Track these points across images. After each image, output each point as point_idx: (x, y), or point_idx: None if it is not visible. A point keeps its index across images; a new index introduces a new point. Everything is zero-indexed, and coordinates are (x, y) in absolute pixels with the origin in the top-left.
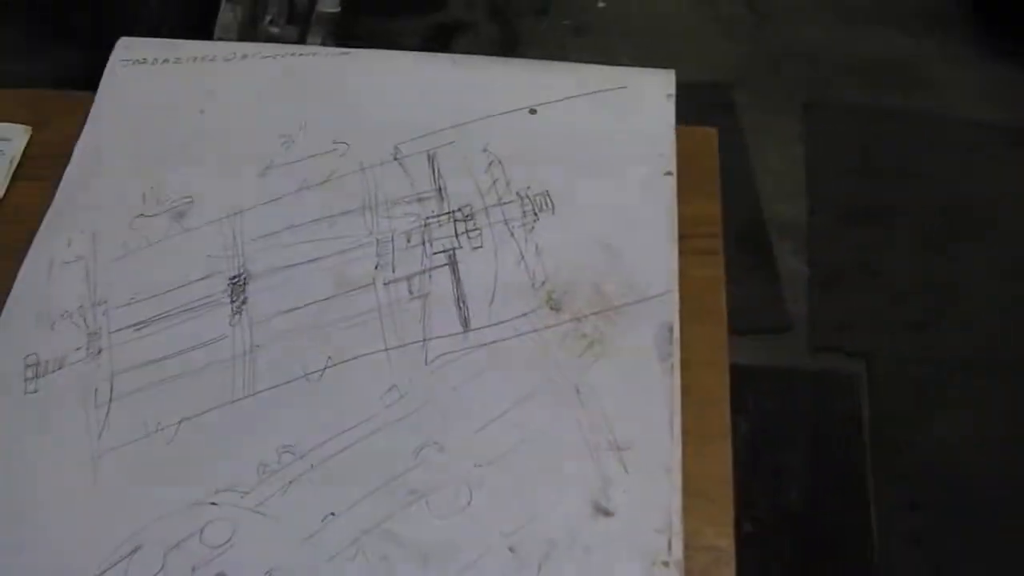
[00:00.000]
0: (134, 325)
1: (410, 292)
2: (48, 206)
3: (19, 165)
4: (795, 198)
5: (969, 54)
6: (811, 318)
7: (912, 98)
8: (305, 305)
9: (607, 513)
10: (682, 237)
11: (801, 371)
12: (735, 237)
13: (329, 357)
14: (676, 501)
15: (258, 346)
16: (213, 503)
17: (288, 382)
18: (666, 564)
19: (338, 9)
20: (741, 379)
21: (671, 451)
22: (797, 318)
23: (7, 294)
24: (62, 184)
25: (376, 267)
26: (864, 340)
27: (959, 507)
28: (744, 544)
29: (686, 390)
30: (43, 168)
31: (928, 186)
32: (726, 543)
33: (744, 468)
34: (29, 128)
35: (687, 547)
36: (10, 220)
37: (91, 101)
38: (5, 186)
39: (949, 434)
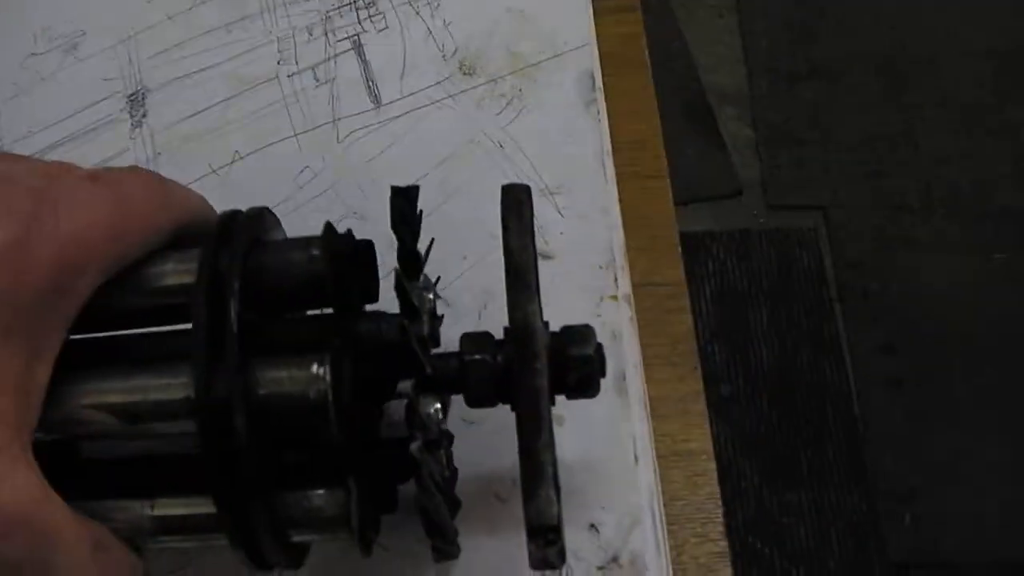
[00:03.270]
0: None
1: (316, 80)
2: None
3: None
4: (733, 66)
5: None
6: (763, 179)
7: None
8: (206, 108)
9: (546, 256)
10: None
11: (758, 231)
12: (679, 112)
13: (237, 150)
14: (617, 237)
15: (160, 153)
16: None
17: (196, 180)
18: (614, 298)
19: None
20: (699, 245)
21: (606, 191)
22: (750, 181)
23: None
24: None
25: (278, 63)
26: (819, 194)
27: (934, 347)
28: (723, 406)
29: (616, 136)
30: None
31: (866, 40)
32: (676, 277)
33: (713, 333)
34: None
35: (639, 284)
36: None
37: None
38: None
39: (914, 276)
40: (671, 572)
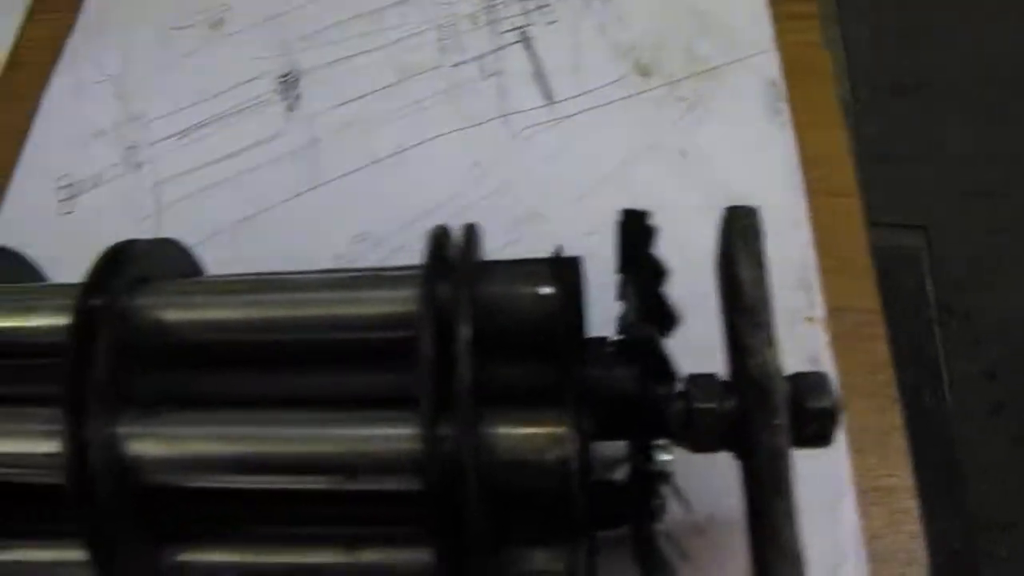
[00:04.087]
0: (176, 135)
1: (482, 71)
2: (69, 34)
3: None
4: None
5: None
6: (865, 195)
7: None
8: (365, 95)
9: None
10: (775, 1)
11: None
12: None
13: (400, 141)
14: (810, 256)
15: (319, 138)
16: None
17: (357, 170)
18: (810, 320)
19: None
20: None
21: (797, 205)
22: None
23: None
24: (83, 9)
25: (440, 52)
26: (921, 213)
27: None
28: None
29: (801, 149)
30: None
31: (973, 54)
32: (872, 304)
33: None
34: None
35: (831, 308)
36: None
37: None
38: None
39: (1018, 299)
40: None
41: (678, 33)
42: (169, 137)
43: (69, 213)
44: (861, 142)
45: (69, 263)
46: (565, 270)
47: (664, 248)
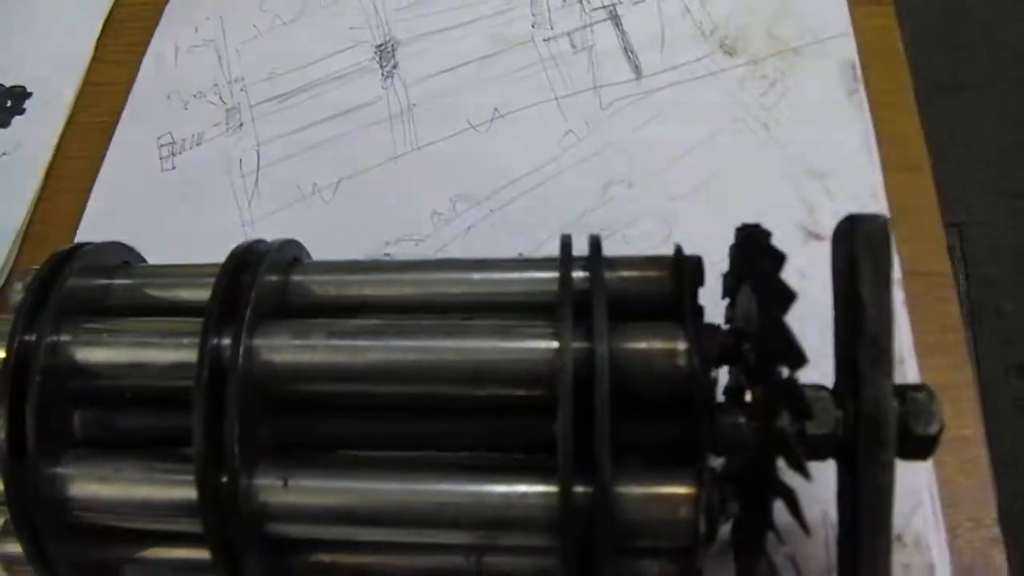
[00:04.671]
0: (277, 97)
1: (572, 46)
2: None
3: None
4: None
5: None
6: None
7: None
8: (461, 65)
9: (819, 237)
10: None
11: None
12: None
13: (496, 108)
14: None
15: (415, 104)
16: (387, 254)
17: (454, 135)
18: None
19: None
20: None
21: (873, 179)
22: None
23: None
24: None
25: (533, 25)
26: (955, 210)
27: None
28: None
29: (877, 128)
30: None
31: (1017, 59)
32: (942, 267)
33: None
34: None
35: (906, 272)
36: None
37: None
38: None
39: None
40: (948, 554)
41: (760, 15)
42: (269, 100)
43: (171, 170)
44: None
45: (171, 219)
46: (700, 331)
47: (745, 216)
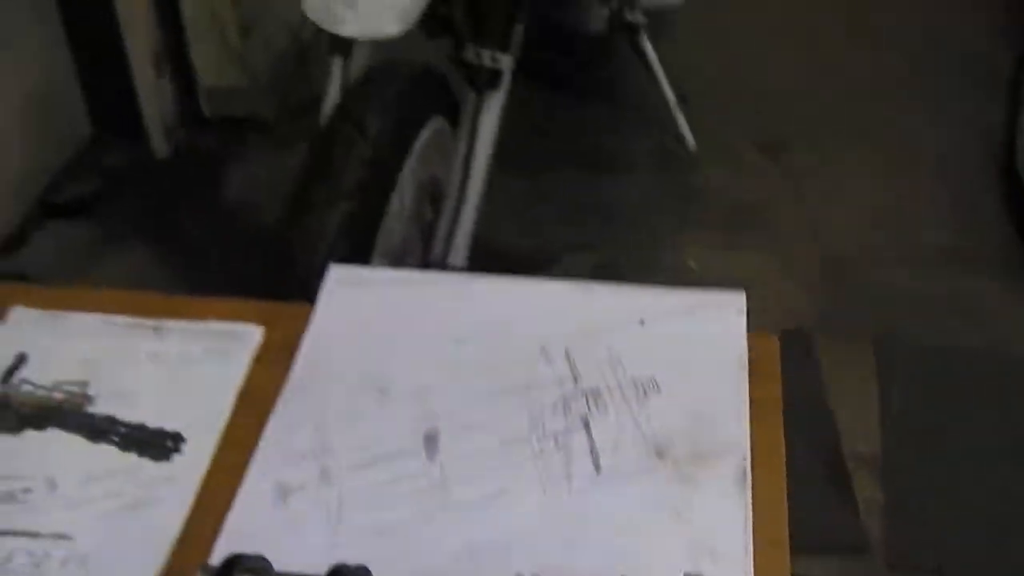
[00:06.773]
0: (355, 465)
1: (556, 444)
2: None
3: (257, 356)
4: (871, 432)
5: None
6: (887, 540)
7: (980, 337)
8: (490, 448)
9: None
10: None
11: None
12: (819, 471)
13: (501, 488)
14: None
15: (448, 478)
16: None
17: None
18: None
19: (465, 265)
20: None
21: (745, 560)
22: (874, 541)
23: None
24: (293, 367)
25: (529, 428)
26: (939, 555)
27: None
28: None
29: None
30: (275, 354)
31: (997, 421)
32: None
33: None
34: (263, 327)
35: None
36: (253, 393)
37: (309, 310)
38: (249, 366)
39: None
40: None
41: (685, 431)
42: (350, 465)
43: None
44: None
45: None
46: None
47: None
